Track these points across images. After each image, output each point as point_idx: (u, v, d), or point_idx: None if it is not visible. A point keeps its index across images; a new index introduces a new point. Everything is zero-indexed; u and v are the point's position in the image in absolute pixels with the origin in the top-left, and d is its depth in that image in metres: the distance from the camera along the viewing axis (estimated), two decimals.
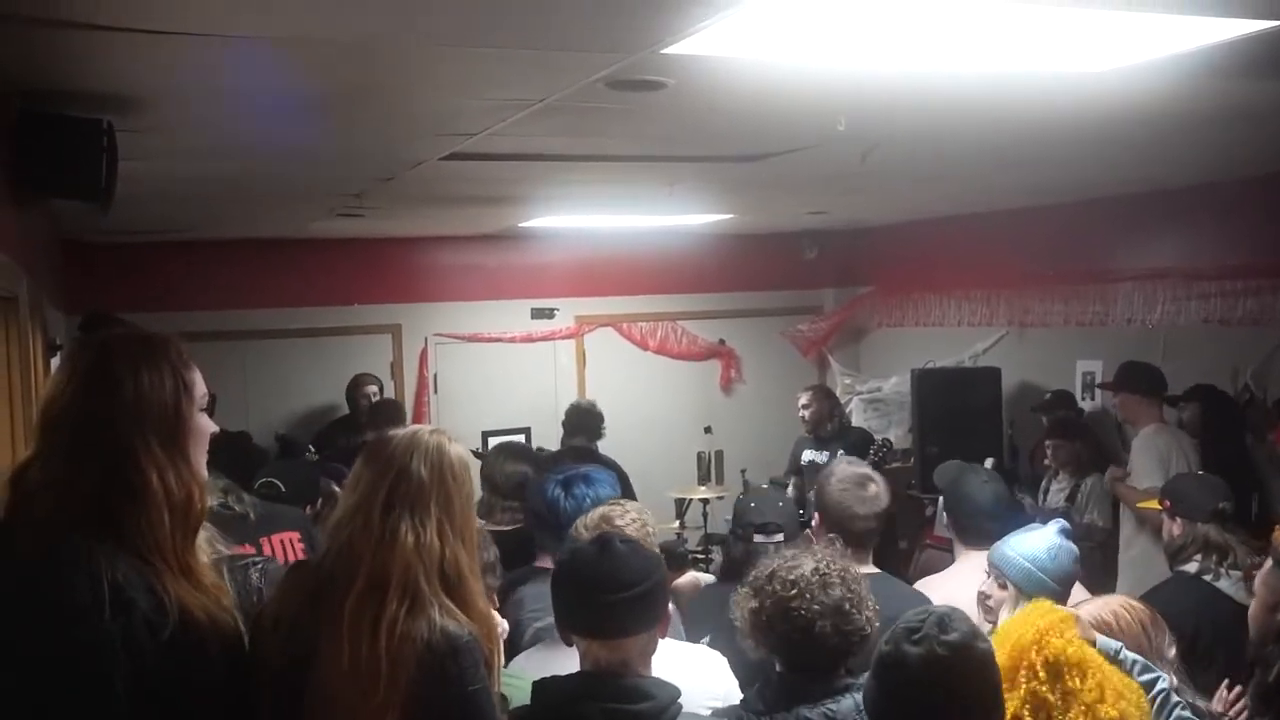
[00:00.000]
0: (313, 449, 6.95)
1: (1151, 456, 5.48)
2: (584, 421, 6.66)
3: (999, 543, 3.19)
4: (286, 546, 3.78)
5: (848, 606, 2.51)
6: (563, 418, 6.92)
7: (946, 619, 2.19)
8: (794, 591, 2.50)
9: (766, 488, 4.30)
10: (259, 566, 2.43)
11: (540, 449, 7.51)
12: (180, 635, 1.90)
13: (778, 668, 2.56)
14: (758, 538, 3.54)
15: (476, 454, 5.07)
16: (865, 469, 3.51)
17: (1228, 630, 3.46)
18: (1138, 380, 5.83)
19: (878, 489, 3.42)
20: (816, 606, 2.48)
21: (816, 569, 2.55)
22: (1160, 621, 2.97)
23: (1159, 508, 4.03)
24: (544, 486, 3.55)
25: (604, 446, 6.78)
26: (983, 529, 3.59)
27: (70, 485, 1.93)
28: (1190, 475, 4.45)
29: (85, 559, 1.85)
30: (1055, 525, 3.16)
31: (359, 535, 2.11)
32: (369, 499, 2.13)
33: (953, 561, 3.80)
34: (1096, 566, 5.42)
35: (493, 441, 7.61)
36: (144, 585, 1.88)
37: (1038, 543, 3.09)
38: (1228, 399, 5.79)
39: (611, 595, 2.29)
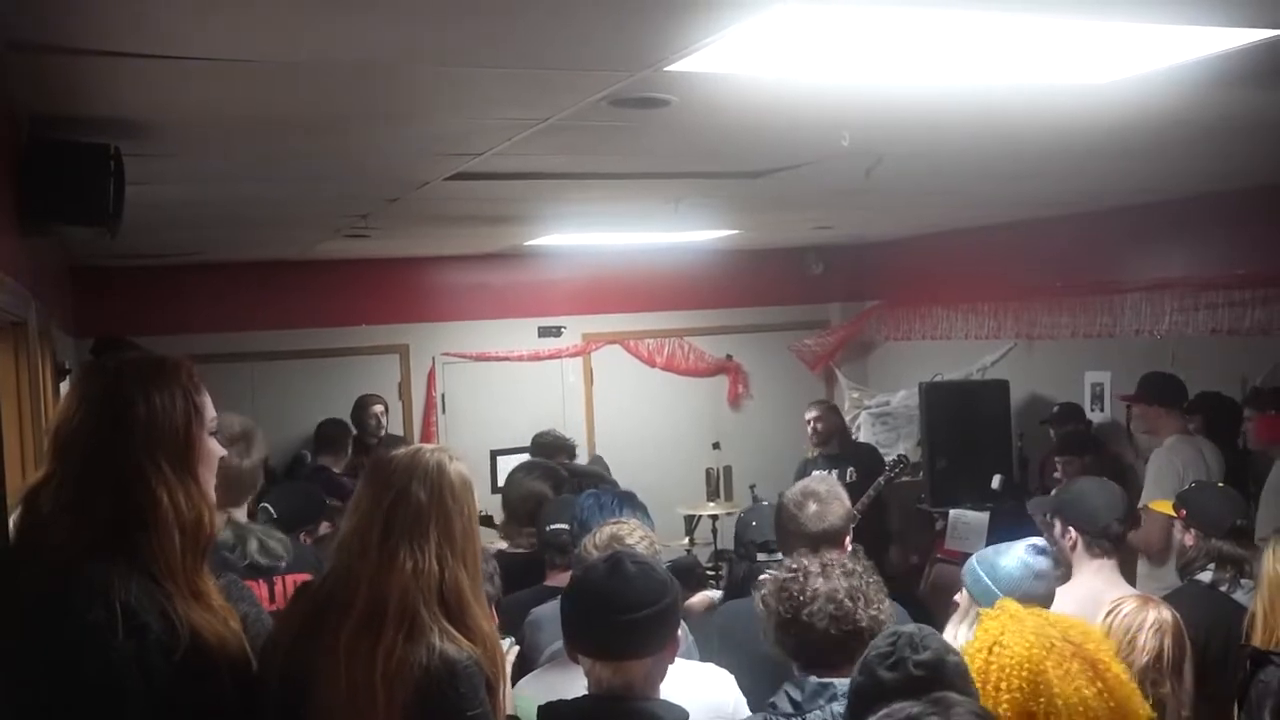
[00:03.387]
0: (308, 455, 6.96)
1: (1168, 475, 5.31)
2: (559, 445, 6.62)
3: (974, 555, 3.17)
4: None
5: (866, 610, 2.57)
6: (532, 447, 6.79)
7: (916, 639, 2.15)
8: (811, 598, 2.58)
9: (765, 504, 4.26)
10: (221, 583, 2.42)
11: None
12: (191, 657, 1.91)
13: (795, 670, 2.59)
14: (761, 556, 3.52)
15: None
16: (820, 486, 3.35)
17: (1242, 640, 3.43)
18: (1159, 391, 5.78)
19: (818, 507, 3.25)
20: (839, 615, 2.55)
21: (821, 561, 2.64)
22: (1183, 638, 2.95)
23: (1172, 514, 4.00)
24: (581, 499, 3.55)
25: (613, 463, 6.78)
26: (1110, 531, 3.59)
27: (83, 509, 1.94)
28: (1210, 487, 4.32)
29: (99, 583, 1.86)
30: (1024, 544, 3.10)
31: (357, 560, 2.11)
32: (368, 523, 2.13)
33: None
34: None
35: (501, 460, 7.65)
36: (156, 608, 1.90)
37: (1001, 561, 3.06)
38: (1233, 406, 5.76)
39: (618, 616, 2.28)
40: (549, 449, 6.51)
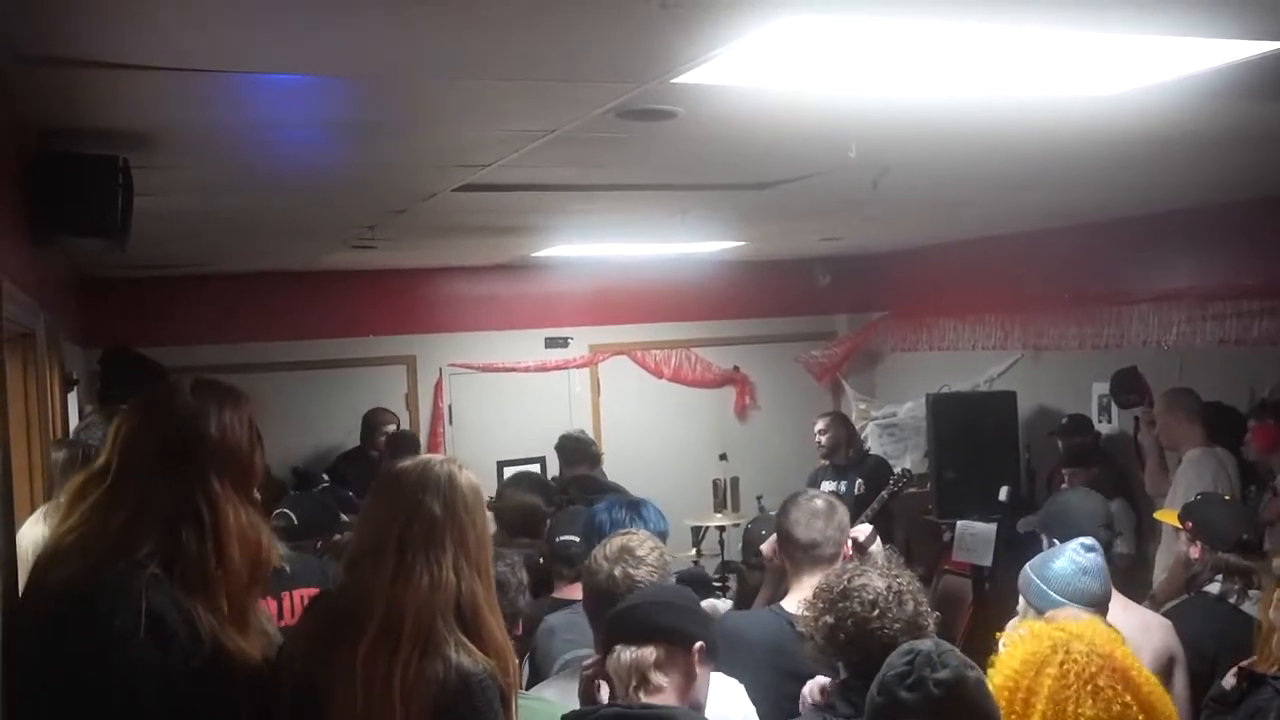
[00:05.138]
0: (326, 478, 6.97)
1: (1197, 489, 5.23)
2: (583, 450, 6.62)
3: (1028, 563, 3.18)
4: (304, 603, 3.76)
5: (921, 620, 2.59)
6: (556, 450, 6.83)
7: (934, 655, 2.13)
8: (875, 612, 2.56)
9: (774, 514, 4.27)
10: None
11: (555, 478, 7.52)
12: (211, 666, 1.95)
13: (844, 673, 2.59)
14: None
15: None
16: (825, 499, 3.38)
17: (1250, 652, 3.42)
18: (1179, 403, 5.78)
19: (830, 516, 3.29)
20: (897, 625, 2.55)
21: (890, 586, 2.62)
22: None
23: (1177, 525, 3.99)
24: (595, 513, 3.54)
25: (619, 474, 6.77)
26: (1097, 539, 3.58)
27: (139, 513, 2.00)
28: (1217, 500, 4.30)
29: (127, 588, 1.90)
30: (1074, 543, 3.12)
31: (372, 575, 2.10)
32: (382, 538, 2.12)
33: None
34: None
35: (508, 471, 7.65)
36: (183, 615, 1.94)
37: (1054, 563, 3.07)
38: (1234, 414, 5.74)
39: (650, 595, 2.47)
40: (573, 455, 6.52)
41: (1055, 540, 3.68)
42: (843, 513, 3.37)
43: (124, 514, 1.99)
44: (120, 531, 1.97)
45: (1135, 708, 2.20)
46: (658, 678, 2.34)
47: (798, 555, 3.29)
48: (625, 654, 2.36)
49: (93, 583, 1.91)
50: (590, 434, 8.65)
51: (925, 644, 2.18)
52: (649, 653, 2.35)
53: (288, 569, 3.69)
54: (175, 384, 2.18)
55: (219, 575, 2.01)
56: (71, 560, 1.96)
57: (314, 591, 3.75)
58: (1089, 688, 2.22)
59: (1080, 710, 2.19)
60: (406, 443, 7.12)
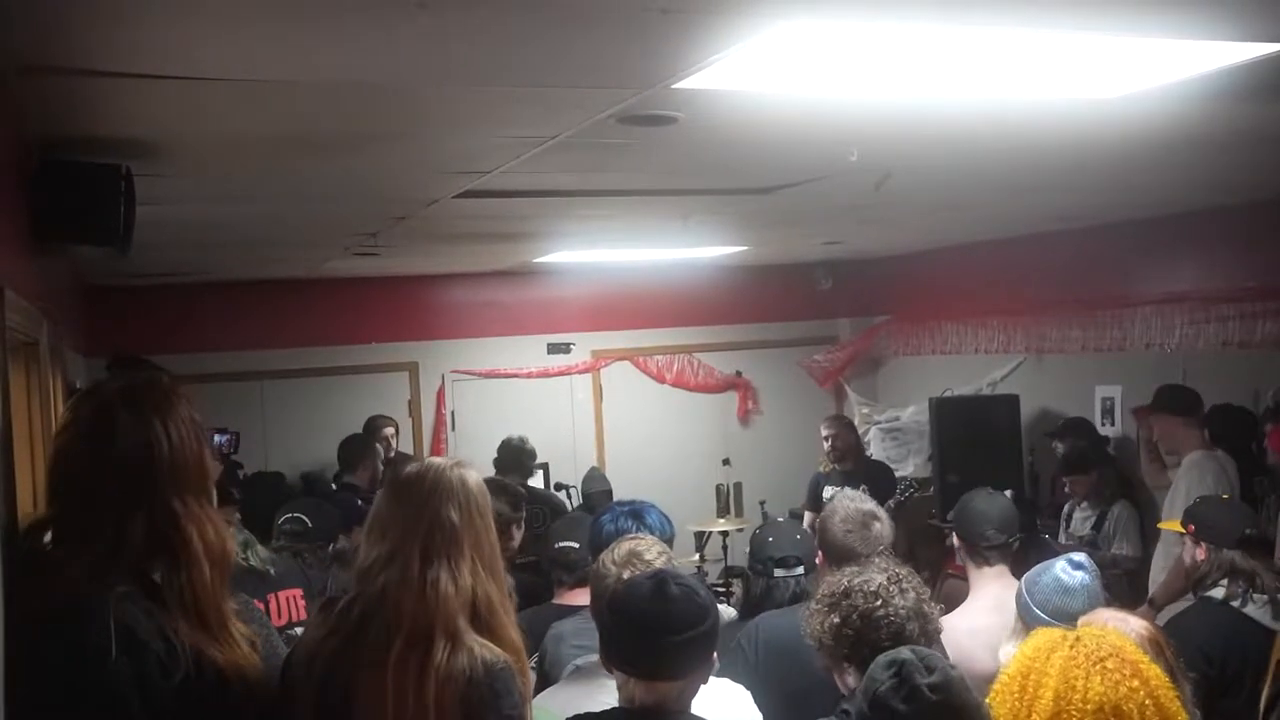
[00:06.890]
0: (334, 486, 6.98)
1: (1198, 493, 5.11)
2: (519, 460, 6.66)
3: (1025, 574, 3.17)
4: (291, 604, 3.82)
5: (926, 608, 2.61)
6: (496, 455, 6.92)
7: (918, 662, 2.13)
8: (878, 602, 2.57)
9: (782, 521, 4.26)
10: (235, 606, 2.44)
11: (559, 485, 7.54)
12: (195, 680, 1.91)
13: (851, 680, 2.56)
14: (778, 572, 3.51)
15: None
16: (869, 505, 3.41)
17: (1256, 656, 3.41)
18: (1175, 403, 5.74)
19: (881, 527, 3.32)
20: (903, 611, 2.56)
21: (889, 577, 2.63)
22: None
23: (1181, 530, 3.98)
24: (601, 523, 3.54)
25: (622, 479, 6.77)
26: (990, 540, 3.66)
27: (92, 539, 1.94)
28: (1216, 500, 4.32)
29: (98, 605, 1.87)
30: (1062, 559, 3.10)
31: (397, 586, 2.10)
32: (403, 548, 2.13)
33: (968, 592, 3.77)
34: (1124, 596, 5.34)
35: None
36: (156, 630, 1.90)
37: (1042, 577, 3.06)
38: (1240, 415, 5.73)
39: (660, 639, 2.29)
40: (505, 463, 6.57)
41: (964, 540, 3.79)
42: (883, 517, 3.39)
43: (87, 561, 1.92)
44: (88, 579, 1.90)
45: (1143, 693, 2.20)
46: (670, 705, 2.33)
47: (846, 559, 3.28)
48: (644, 689, 2.32)
49: (68, 604, 1.87)
50: (593, 439, 8.70)
51: (904, 653, 2.18)
52: (681, 684, 2.34)
53: (271, 571, 3.78)
54: (106, 405, 2.02)
55: (194, 595, 1.97)
56: (41, 587, 1.91)
57: (299, 592, 3.86)
58: (1098, 667, 2.22)
59: (1089, 685, 2.19)
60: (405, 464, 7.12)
